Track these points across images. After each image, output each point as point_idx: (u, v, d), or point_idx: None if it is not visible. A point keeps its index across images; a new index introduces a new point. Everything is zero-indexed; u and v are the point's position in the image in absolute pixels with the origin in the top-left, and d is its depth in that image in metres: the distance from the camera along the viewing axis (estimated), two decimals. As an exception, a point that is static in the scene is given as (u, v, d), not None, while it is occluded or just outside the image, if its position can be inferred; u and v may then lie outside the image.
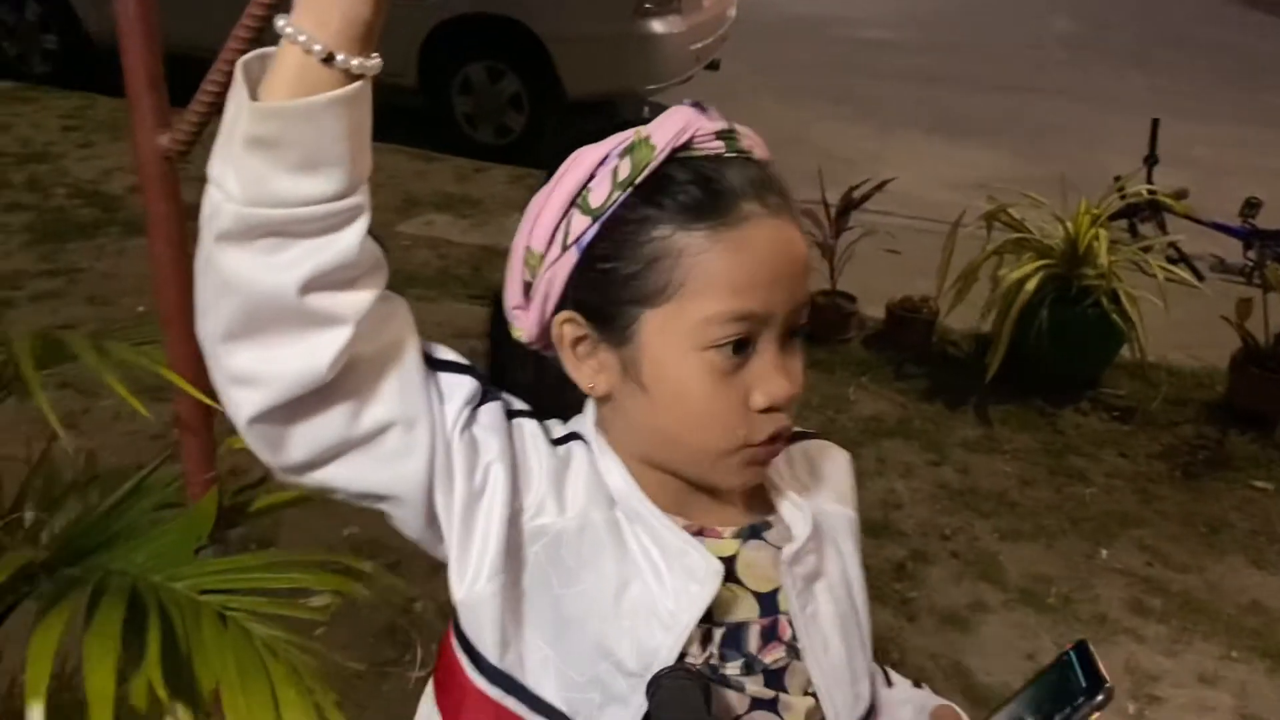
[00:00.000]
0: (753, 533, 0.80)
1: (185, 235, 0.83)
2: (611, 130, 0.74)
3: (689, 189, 0.71)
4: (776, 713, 0.78)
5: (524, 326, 0.78)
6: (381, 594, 0.81)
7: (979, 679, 2.43)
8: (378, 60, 0.62)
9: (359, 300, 0.65)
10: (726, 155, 0.72)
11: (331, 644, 0.79)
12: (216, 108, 0.74)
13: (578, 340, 0.76)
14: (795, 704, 0.78)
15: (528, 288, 0.76)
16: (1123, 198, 3.89)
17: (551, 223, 0.73)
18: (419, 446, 0.69)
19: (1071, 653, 0.75)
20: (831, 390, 3.65)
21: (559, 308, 0.76)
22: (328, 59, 0.60)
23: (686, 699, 0.76)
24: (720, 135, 0.72)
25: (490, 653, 0.73)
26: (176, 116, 0.79)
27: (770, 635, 0.78)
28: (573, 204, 0.73)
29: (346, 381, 0.66)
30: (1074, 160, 6.28)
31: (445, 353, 0.74)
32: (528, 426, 0.76)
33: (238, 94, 0.61)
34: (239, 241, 0.61)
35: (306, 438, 0.66)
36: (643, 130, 0.72)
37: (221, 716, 0.64)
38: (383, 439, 0.68)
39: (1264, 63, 9.90)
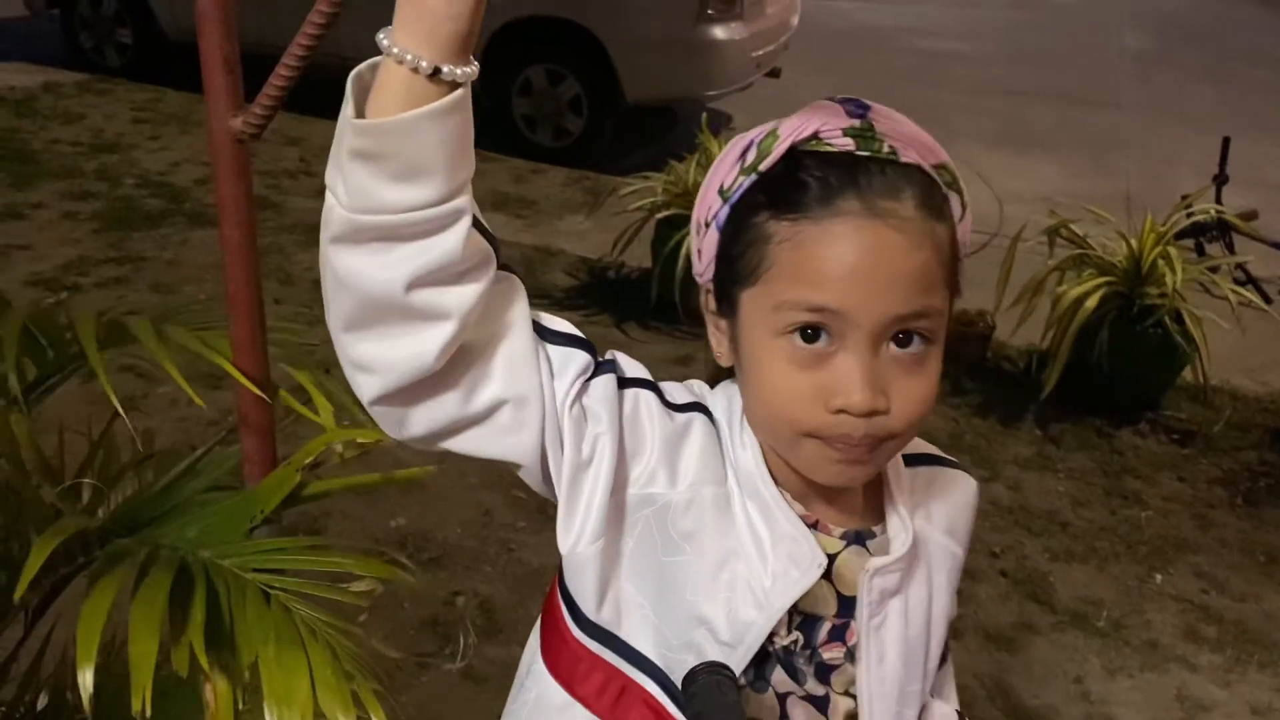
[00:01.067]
0: (858, 538, 0.82)
1: (254, 218, 0.84)
2: None
3: (792, 181, 0.73)
4: (825, 713, 0.82)
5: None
6: (424, 587, 0.82)
7: (1025, 701, 2.39)
8: (475, 66, 0.65)
9: (465, 295, 0.68)
10: (858, 153, 0.73)
11: (372, 633, 0.80)
12: (287, 94, 0.76)
13: (711, 310, 0.82)
14: (840, 704, 0.82)
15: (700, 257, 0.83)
16: (1189, 216, 3.80)
17: (704, 201, 0.80)
18: (530, 422, 0.73)
19: None
20: (883, 402, 3.61)
21: (709, 279, 0.81)
22: (434, 74, 0.62)
23: (722, 694, 0.79)
24: (850, 133, 0.73)
25: (589, 608, 0.78)
26: (248, 103, 0.80)
27: (838, 635, 0.81)
28: (718, 184, 0.79)
29: (459, 366, 0.70)
30: (1140, 177, 6.16)
31: (557, 324, 0.78)
32: (643, 396, 0.78)
33: (344, 108, 0.64)
34: (349, 244, 0.65)
35: (424, 417, 0.71)
36: (781, 121, 0.76)
37: (259, 692, 0.65)
38: (496, 416, 0.72)
39: (1342, 83, 9.64)
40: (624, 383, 0.78)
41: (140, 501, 0.95)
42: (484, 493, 2.83)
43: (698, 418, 0.81)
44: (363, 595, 0.79)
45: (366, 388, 0.70)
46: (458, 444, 0.73)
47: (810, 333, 0.73)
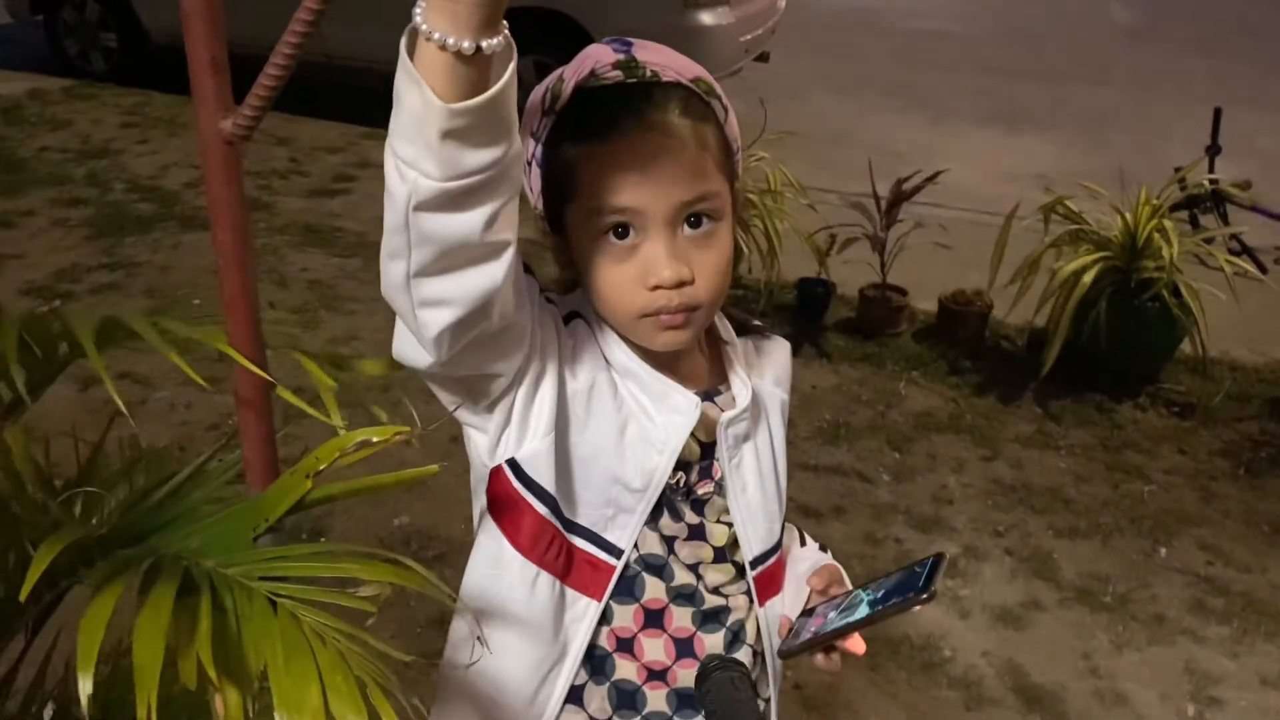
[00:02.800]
0: (708, 396, 1.00)
1: (248, 221, 0.83)
2: None
3: (579, 113, 0.89)
4: (704, 538, 1.00)
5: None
6: (430, 585, 0.81)
7: (1033, 678, 2.39)
8: (505, 27, 0.70)
9: (515, 219, 0.78)
10: (627, 81, 0.88)
11: (379, 634, 0.80)
12: (277, 94, 0.75)
13: (547, 234, 0.97)
14: (715, 531, 1.01)
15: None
16: (1183, 189, 3.79)
17: (525, 146, 0.92)
18: (525, 334, 0.87)
19: (929, 560, 0.91)
20: (882, 384, 3.61)
21: (541, 209, 0.97)
22: (475, 51, 0.67)
23: (736, 689, 0.92)
24: (618, 65, 0.88)
25: (549, 486, 0.93)
26: (237, 105, 0.79)
27: (705, 474, 1.00)
28: (530, 130, 0.92)
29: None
30: (1133, 151, 6.15)
31: None
32: (551, 311, 0.94)
33: (421, 93, 0.68)
34: (436, 209, 0.72)
35: (464, 338, 0.80)
36: (565, 67, 0.91)
37: (268, 700, 0.64)
38: (506, 330, 0.84)
39: (1332, 50, 9.62)
40: (548, 299, 0.94)
41: (142, 510, 0.95)
42: (486, 488, 2.82)
43: (579, 323, 0.96)
44: (370, 599, 0.78)
45: (436, 321, 0.78)
46: (467, 360, 0.83)
47: (620, 231, 0.89)
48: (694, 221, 0.90)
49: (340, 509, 2.68)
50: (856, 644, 0.94)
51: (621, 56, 0.89)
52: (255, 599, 0.71)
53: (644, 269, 0.89)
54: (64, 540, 0.71)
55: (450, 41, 0.66)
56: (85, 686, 0.64)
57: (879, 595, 0.92)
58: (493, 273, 0.77)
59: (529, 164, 0.94)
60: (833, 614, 0.96)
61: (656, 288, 0.89)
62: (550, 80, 0.92)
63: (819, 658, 0.96)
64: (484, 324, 0.81)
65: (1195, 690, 2.39)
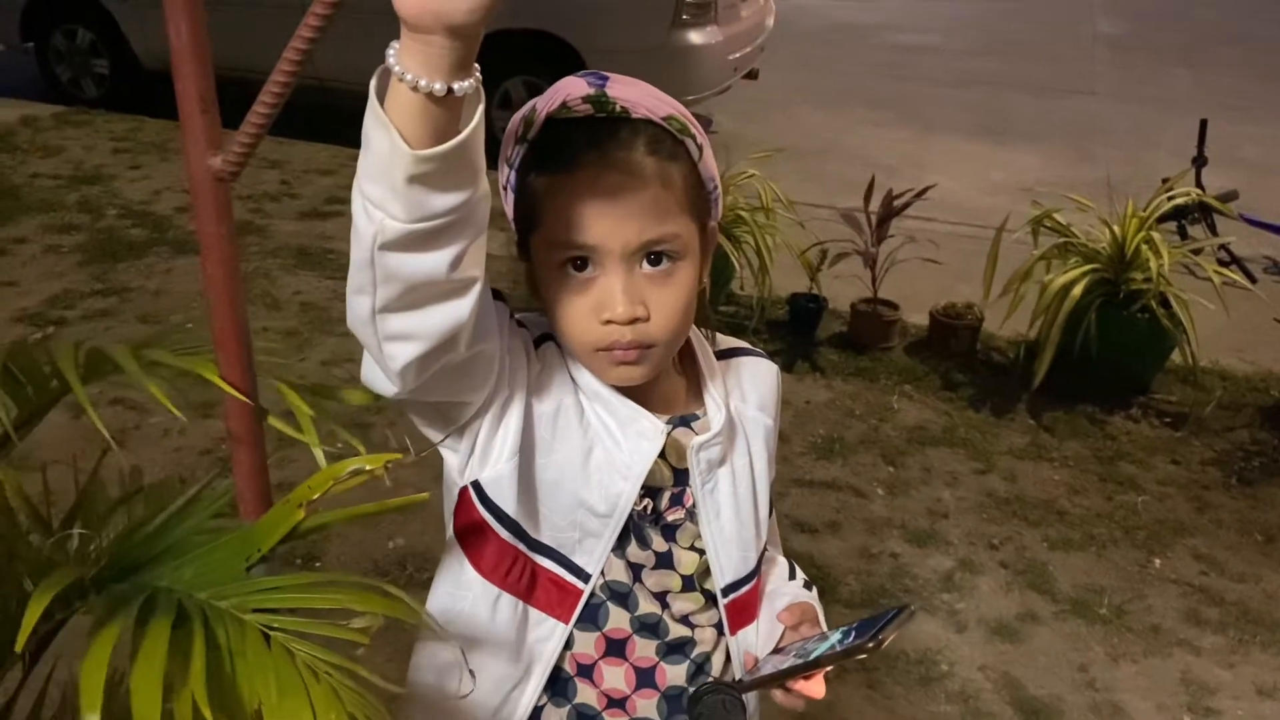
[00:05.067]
0: (682, 421, 1.00)
1: (237, 255, 0.83)
2: None
3: (547, 145, 0.90)
4: (671, 566, 1.00)
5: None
6: (416, 611, 0.82)
7: (1030, 691, 2.39)
8: (477, 69, 0.70)
9: (482, 257, 0.78)
10: (596, 115, 0.88)
11: (370, 662, 0.80)
12: (267, 129, 0.76)
13: (516, 257, 0.98)
14: (685, 558, 1.00)
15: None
16: (1171, 200, 3.82)
17: (501, 171, 0.94)
18: (493, 362, 0.87)
19: (895, 610, 0.90)
20: (875, 398, 3.62)
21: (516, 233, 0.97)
22: (447, 93, 0.67)
23: (728, 712, 0.92)
24: (588, 99, 0.88)
25: (511, 511, 0.94)
26: (227, 138, 0.80)
27: (676, 501, 0.99)
28: (505, 156, 0.94)
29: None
30: (1120, 163, 6.19)
31: None
32: (522, 335, 0.94)
33: (390, 137, 0.68)
34: (402, 249, 0.73)
35: (430, 369, 0.81)
36: (537, 100, 0.91)
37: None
38: (474, 359, 0.84)
39: (1316, 59, 9.69)
40: (519, 324, 0.95)
41: (134, 541, 0.95)
42: (481, 509, 2.82)
43: (550, 346, 0.97)
44: (362, 630, 0.79)
45: (401, 355, 0.79)
46: (437, 387, 0.84)
47: (579, 263, 0.90)
48: (654, 259, 0.90)
49: (335, 533, 2.68)
50: (815, 687, 0.92)
51: (593, 91, 0.89)
52: (248, 633, 0.71)
53: (598, 303, 0.90)
54: (58, 585, 0.71)
55: (422, 83, 0.66)
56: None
57: (847, 638, 0.90)
58: (458, 309, 0.78)
59: (505, 189, 0.95)
60: (793, 654, 0.95)
61: (609, 322, 0.90)
62: (526, 109, 0.93)
63: (778, 694, 0.95)
64: (450, 355, 0.81)
65: (1192, 701, 2.40)
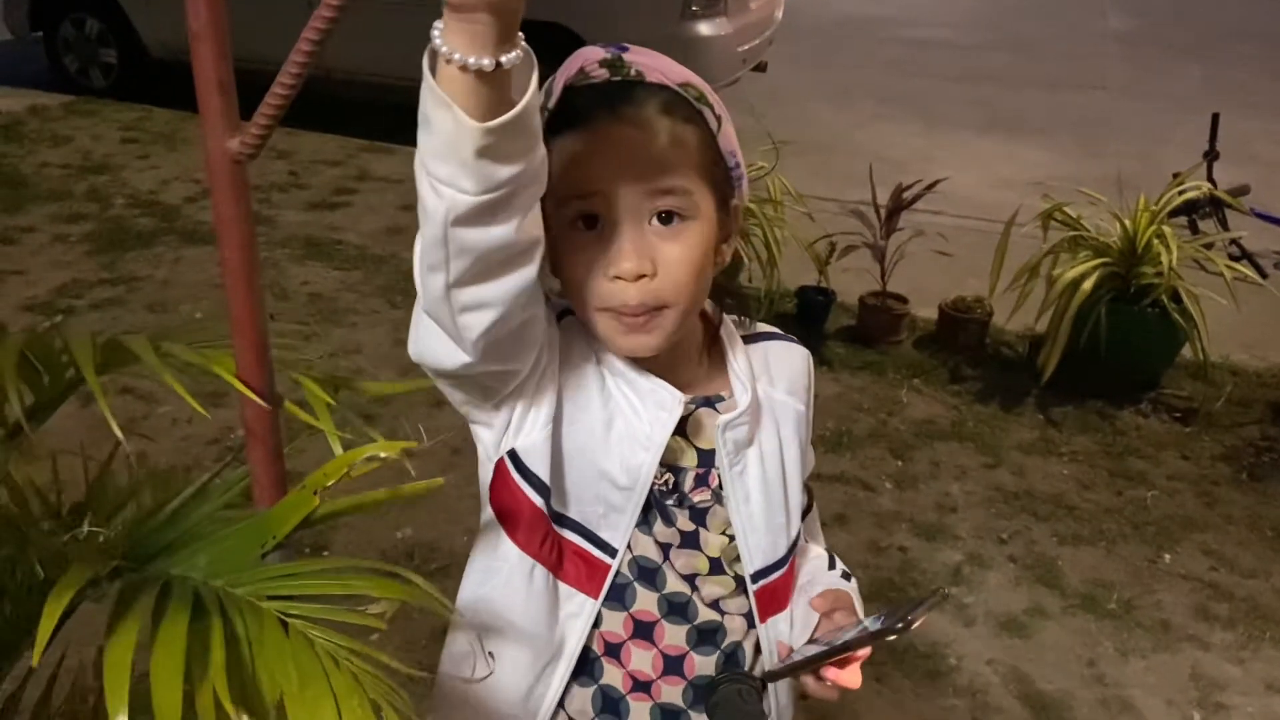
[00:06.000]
0: (707, 402, 0.99)
1: (254, 239, 0.83)
2: None
3: (565, 108, 0.90)
4: (698, 546, 0.99)
5: None
6: (435, 598, 0.81)
7: (1039, 686, 2.39)
8: (521, 36, 0.71)
9: (540, 216, 0.80)
10: (611, 79, 0.89)
11: (384, 648, 0.80)
12: (284, 112, 0.75)
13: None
14: (712, 540, 0.99)
15: None
16: (1182, 194, 3.80)
17: None
18: (542, 325, 0.89)
19: (929, 596, 0.90)
20: (883, 392, 3.61)
21: None
22: (496, 67, 0.69)
23: (744, 701, 0.91)
24: (604, 64, 0.89)
25: (545, 476, 0.94)
26: (244, 123, 0.79)
27: (701, 482, 0.99)
28: None
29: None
30: (1131, 157, 6.17)
31: None
32: (550, 306, 0.94)
33: (453, 114, 0.69)
34: (473, 221, 0.74)
35: (499, 334, 0.82)
36: (557, 72, 0.91)
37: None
38: (531, 321, 0.86)
39: (1327, 54, 9.64)
40: (546, 299, 0.94)
41: (148, 529, 0.94)
42: (489, 500, 2.82)
43: (571, 319, 0.97)
44: (378, 616, 0.78)
45: (476, 324, 0.80)
46: (498, 353, 0.84)
47: (589, 220, 0.89)
48: (665, 218, 0.90)
49: (343, 522, 2.68)
50: (851, 676, 0.90)
51: (609, 56, 0.90)
52: (266, 620, 0.71)
53: (605, 258, 0.89)
54: (78, 582, 0.71)
55: (471, 61, 0.68)
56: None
57: (878, 624, 0.89)
58: (527, 271, 0.80)
59: None
60: (825, 644, 0.93)
61: (616, 278, 0.89)
62: (548, 81, 0.93)
63: (810, 683, 0.93)
64: (517, 318, 0.83)
65: (1201, 696, 2.39)
